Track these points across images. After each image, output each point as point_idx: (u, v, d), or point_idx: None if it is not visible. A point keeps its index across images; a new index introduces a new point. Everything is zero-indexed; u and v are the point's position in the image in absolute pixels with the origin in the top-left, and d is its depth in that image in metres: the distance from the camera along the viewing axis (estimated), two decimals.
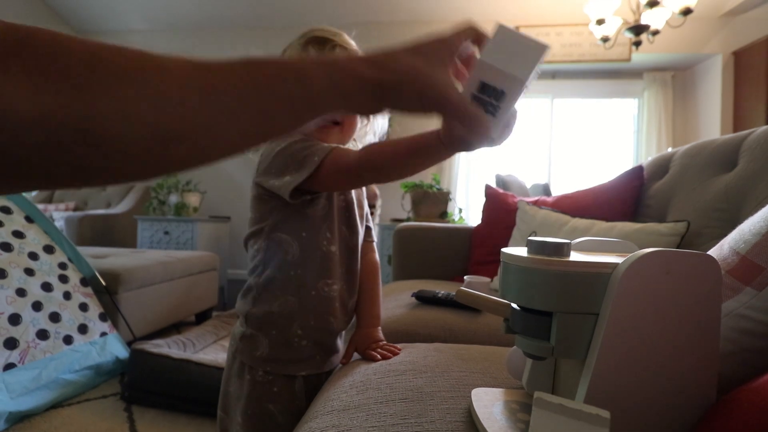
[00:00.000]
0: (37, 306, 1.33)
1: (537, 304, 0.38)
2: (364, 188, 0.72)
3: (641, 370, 0.36)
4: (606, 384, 0.36)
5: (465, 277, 1.02)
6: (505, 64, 0.33)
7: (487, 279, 1.03)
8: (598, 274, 0.37)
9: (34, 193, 3.61)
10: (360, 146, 0.70)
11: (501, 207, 1.44)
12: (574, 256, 0.39)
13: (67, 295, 1.43)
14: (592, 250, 0.47)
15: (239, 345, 0.64)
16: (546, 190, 2.83)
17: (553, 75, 3.71)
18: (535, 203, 1.35)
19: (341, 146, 0.58)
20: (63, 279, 1.46)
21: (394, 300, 1.02)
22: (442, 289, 1.04)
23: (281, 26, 3.67)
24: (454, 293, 0.96)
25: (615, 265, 0.37)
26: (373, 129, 0.70)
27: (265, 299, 0.63)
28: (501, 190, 1.54)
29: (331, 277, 0.64)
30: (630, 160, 3.73)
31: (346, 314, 0.67)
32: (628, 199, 1.22)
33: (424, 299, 0.97)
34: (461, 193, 3.66)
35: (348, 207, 0.68)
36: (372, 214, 2.47)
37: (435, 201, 2.12)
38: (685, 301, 0.36)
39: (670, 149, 1.23)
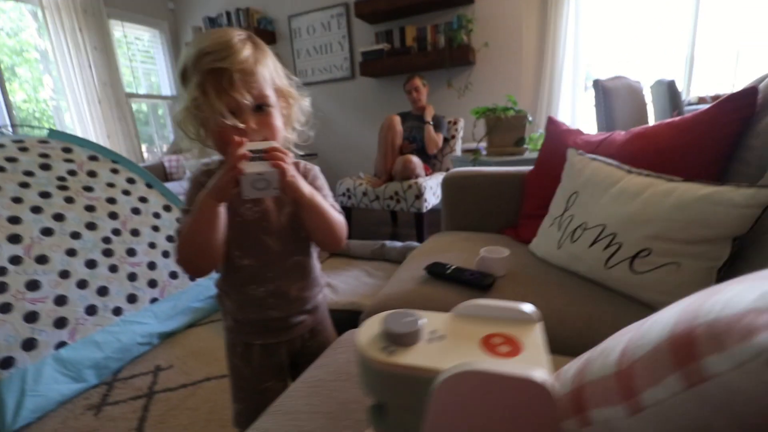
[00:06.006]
0: (166, 255, 1.74)
1: (372, 394, 0.39)
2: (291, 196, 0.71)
3: None
4: None
5: (481, 250, 0.97)
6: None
7: (506, 251, 0.96)
8: (422, 378, 0.35)
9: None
10: (294, 131, 0.75)
11: (560, 149, 1.23)
12: (413, 352, 0.37)
13: None
14: (477, 315, 0.42)
15: None
16: (672, 88, 2.25)
17: None
18: (598, 145, 1.12)
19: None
20: None
21: (409, 271, 1.04)
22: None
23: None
24: (463, 267, 0.95)
25: (438, 372, 0.34)
26: (296, 114, 0.74)
27: (220, 295, 0.81)
28: (564, 126, 1.30)
29: (254, 283, 0.75)
30: None
31: (288, 301, 0.78)
32: (722, 139, 0.92)
33: (435, 274, 0.97)
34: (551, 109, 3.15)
35: (251, 225, 0.73)
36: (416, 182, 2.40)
37: (509, 127, 1.88)
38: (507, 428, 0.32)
39: None
